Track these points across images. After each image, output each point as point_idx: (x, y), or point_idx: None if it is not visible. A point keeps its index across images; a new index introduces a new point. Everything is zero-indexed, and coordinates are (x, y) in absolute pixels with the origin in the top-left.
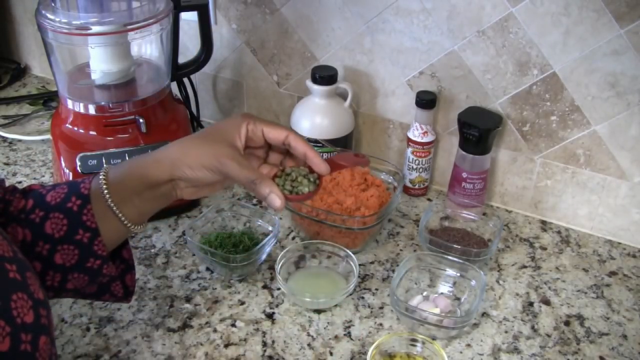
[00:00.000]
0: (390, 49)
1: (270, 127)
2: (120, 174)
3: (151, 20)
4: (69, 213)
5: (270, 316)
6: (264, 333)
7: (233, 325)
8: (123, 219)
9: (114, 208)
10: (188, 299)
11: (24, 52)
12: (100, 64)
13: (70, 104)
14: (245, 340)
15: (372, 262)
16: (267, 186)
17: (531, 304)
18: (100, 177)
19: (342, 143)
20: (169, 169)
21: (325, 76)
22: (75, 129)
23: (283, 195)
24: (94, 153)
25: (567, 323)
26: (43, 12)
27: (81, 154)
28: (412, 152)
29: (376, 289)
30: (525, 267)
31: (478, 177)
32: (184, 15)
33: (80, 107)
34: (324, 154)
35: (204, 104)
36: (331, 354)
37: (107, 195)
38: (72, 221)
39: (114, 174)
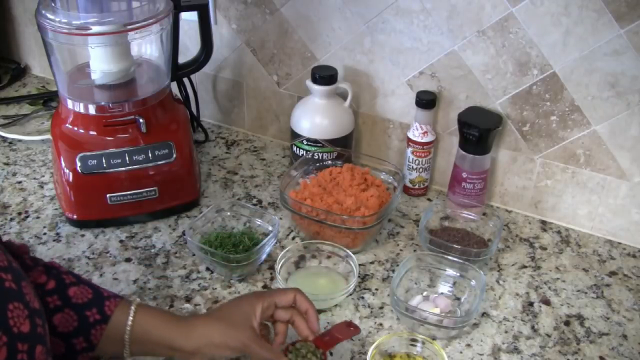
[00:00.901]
0: (390, 49)
1: (281, 296)
2: (148, 327)
3: (151, 20)
4: (83, 320)
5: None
6: None
7: None
8: (126, 354)
9: (127, 345)
10: (188, 299)
11: (24, 52)
12: (100, 64)
13: (70, 104)
14: None
15: (372, 262)
16: None
17: (531, 304)
18: (130, 317)
19: (342, 143)
20: (196, 345)
21: (325, 76)
22: (75, 129)
23: None
24: (94, 153)
25: (567, 323)
26: (43, 12)
27: (81, 154)
28: (412, 152)
29: (376, 289)
30: (525, 267)
31: (478, 177)
32: (184, 15)
33: (80, 107)
34: (324, 154)
35: (204, 104)
36: (331, 354)
37: (127, 339)
38: (81, 327)
39: (143, 322)
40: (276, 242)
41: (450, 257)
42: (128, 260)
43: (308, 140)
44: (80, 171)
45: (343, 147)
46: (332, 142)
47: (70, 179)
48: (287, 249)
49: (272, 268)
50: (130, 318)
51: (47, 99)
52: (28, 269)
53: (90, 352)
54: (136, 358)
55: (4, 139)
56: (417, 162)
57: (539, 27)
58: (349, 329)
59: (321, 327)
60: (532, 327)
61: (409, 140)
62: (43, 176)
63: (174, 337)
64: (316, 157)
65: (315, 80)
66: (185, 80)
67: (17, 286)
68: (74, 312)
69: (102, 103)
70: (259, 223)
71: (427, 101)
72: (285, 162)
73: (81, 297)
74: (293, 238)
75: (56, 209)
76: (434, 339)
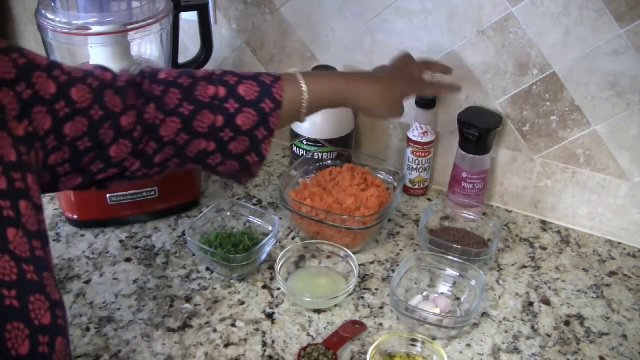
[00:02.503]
0: (390, 49)
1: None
2: (321, 92)
3: (151, 20)
4: (261, 112)
5: (270, 316)
6: (264, 333)
7: (233, 325)
8: (304, 119)
9: (303, 115)
10: (188, 299)
11: None
12: (100, 64)
13: None
14: (245, 340)
15: (372, 262)
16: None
17: (531, 304)
18: (303, 88)
19: (342, 143)
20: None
21: None
22: None
23: None
24: None
25: (567, 323)
26: (43, 12)
27: None
28: (412, 152)
29: (376, 289)
30: (525, 267)
31: (478, 177)
32: (184, 15)
33: None
34: (324, 154)
35: None
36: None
37: (304, 109)
38: (260, 120)
39: (316, 91)
40: (276, 242)
41: (450, 257)
42: (128, 260)
43: (308, 140)
44: None
45: (343, 147)
46: (332, 142)
47: None
48: (287, 249)
49: (272, 268)
50: (304, 90)
51: None
52: (189, 89)
53: (271, 138)
54: None
55: None
56: (417, 162)
57: (539, 27)
58: (355, 327)
59: (322, 328)
60: (532, 327)
61: (409, 140)
62: None
63: (345, 98)
64: (316, 157)
65: None
66: None
67: (39, 277)
68: (252, 109)
69: None
70: (259, 223)
71: (427, 101)
72: (285, 162)
73: (252, 94)
74: (293, 238)
75: (56, 209)
76: (434, 339)
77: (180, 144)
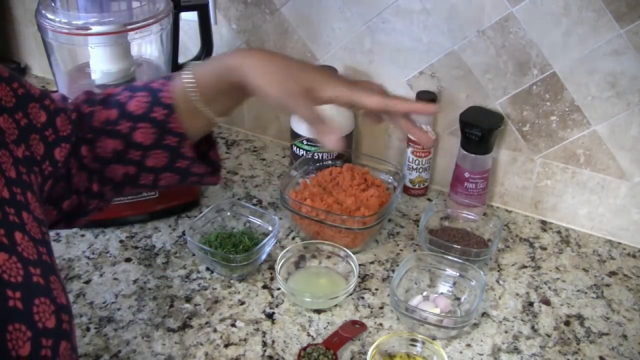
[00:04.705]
0: (390, 49)
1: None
2: (206, 74)
3: (151, 20)
4: (155, 122)
5: (270, 316)
6: (264, 333)
7: (233, 325)
8: (210, 115)
9: (201, 107)
10: (188, 299)
11: (24, 52)
12: (100, 64)
13: None
14: (245, 340)
15: (372, 262)
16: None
17: (531, 304)
18: (187, 79)
19: (342, 143)
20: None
21: None
22: None
23: None
24: None
25: (567, 323)
26: (43, 12)
27: None
28: (412, 152)
29: (376, 289)
30: (525, 267)
31: (480, 177)
32: (184, 15)
33: None
34: (324, 154)
35: None
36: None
37: (195, 97)
38: (159, 129)
39: (201, 75)
40: (276, 242)
41: (450, 257)
42: (128, 260)
43: (308, 140)
44: None
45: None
46: None
47: None
48: (287, 249)
49: (272, 268)
50: (189, 80)
51: None
52: (89, 116)
53: (187, 141)
54: None
55: None
56: (417, 162)
57: (539, 27)
58: (355, 326)
59: (322, 328)
60: (532, 327)
61: (409, 140)
62: None
63: (231, 67)
64: (316, 157)
65: None
66: None
67: (45, 281)
68: (145, 122)
69: None
70: (259, 223)
71: (427, 101)
72: (285, 162)
73: (142, 106)
74: (293, 238)
75: None
76: (434, 339)
77: (100, 171)
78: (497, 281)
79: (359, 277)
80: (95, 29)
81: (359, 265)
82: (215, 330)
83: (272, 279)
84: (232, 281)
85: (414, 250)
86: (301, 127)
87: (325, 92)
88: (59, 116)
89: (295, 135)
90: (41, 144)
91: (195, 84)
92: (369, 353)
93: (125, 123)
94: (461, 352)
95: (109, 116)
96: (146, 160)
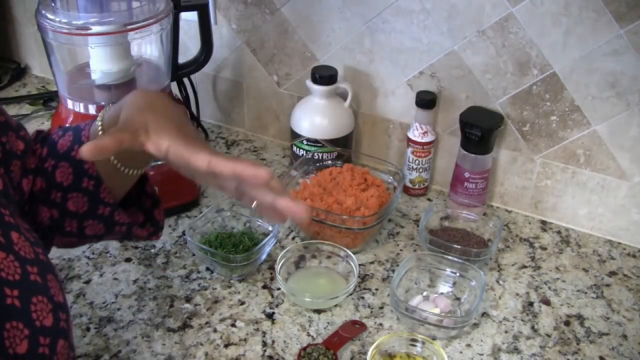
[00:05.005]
0: (390, 49)
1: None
2: (114, 117)
3: (151, 20)
4: (72, 162)
5: (270, 316)
6: (264, 333)
7: (233, 325)
8: (115, 162)
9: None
10: (188, 299)
11: (24, 52)
12: (100, 64)
13: (70, 104)
14: (245, 340)
15: (372, 262)
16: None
17: (531, 304)
18: (98, 122)
19: (342, 143)
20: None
21: (325, 76)
22: None
23: None
24: None
25: (567, 323)
26: (43, 12)
27: None
28: (412, 152)
29: (376, 289)
30: (525, 267)
31: (480, 177)
32: (184, 15)
33: (80, 107)
34: (324, 154)
35: (204, 104)
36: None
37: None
38: (76, 170)
39: (109, 118)
40: (276, 242)
41: (450, 257)
42: (128, 260)
43: (308, 140)
44: None
45: (343, 147)
46: (332, 142)
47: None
48: (287, 249)
49: (272, 268)
50: (99, 123)
51: (47, 99)
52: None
53: (102, 185)
54: None
55: None
56: (417, 162)
57: (539, 27)
58: (355, 327)
59: (322, 328)
60: (532, 327)
61: (409, 140)
62: None
63: (121, 105)
64: (316, 157)
65: (315, 81)
66: (185, 80)
67: (43, 279)
68: (65, 161)
69: (102, 103)
70: (259, 223)
71: (427, 101)
72: (285, 162)
73: (66, 144)
74: (293, 238)
75: None
76: (434, 339)
77: (34, 212)
78: (497, 281)
79: (359, 277)
80: (95, 29)
81: (359, 265)
82: (215, 330)
83: (272, 279)
84: (232, 281)
85: (414, 250)
86: (301, 127)
87: (159, 138)
88: (31, 149)
89: (295, 135)
90: (19, 171)
91: (101, 123)
92: (369, 353)
93: (50, 161)
94: (461, 352)
95: (42, 153)
96: (67, 204)
